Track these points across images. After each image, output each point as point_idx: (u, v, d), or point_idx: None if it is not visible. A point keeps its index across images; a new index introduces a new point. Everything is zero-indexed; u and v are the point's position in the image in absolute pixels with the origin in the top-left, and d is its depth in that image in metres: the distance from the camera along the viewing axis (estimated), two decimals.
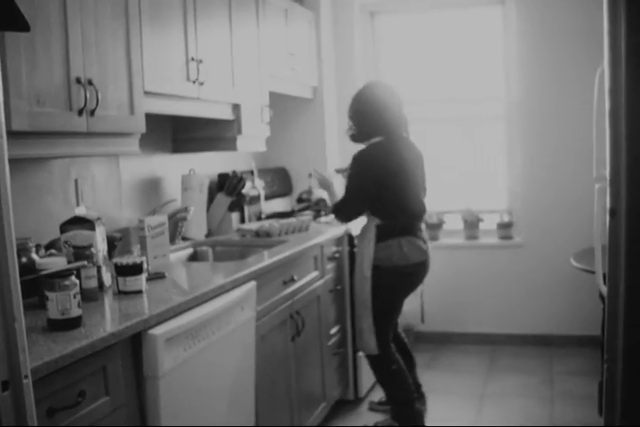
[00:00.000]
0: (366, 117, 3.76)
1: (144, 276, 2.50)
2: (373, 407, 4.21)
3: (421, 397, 4.12)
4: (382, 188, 3.67)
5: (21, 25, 1.32)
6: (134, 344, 2.15)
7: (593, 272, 3.18)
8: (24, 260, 2.26)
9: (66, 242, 2.43)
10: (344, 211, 3.77)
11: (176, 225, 3.58)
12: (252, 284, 2.88)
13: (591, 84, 3.17)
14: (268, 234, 3.89)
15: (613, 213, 1.27)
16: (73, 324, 2.00)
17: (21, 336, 1.38)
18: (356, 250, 4.11)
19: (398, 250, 3.67)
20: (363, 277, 3.72)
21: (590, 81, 3.28)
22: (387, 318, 3.80)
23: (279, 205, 5.07)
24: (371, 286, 3.71)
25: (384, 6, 5.50)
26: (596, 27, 2.92)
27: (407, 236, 3.71)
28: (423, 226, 3.87)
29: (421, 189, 3.87)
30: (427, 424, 3.85)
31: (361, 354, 4.10)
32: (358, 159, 3.69)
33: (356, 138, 3.82)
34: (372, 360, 3.84)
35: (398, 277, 3.74)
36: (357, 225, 4.18)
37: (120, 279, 2.46)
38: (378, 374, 3.87)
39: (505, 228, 5.28)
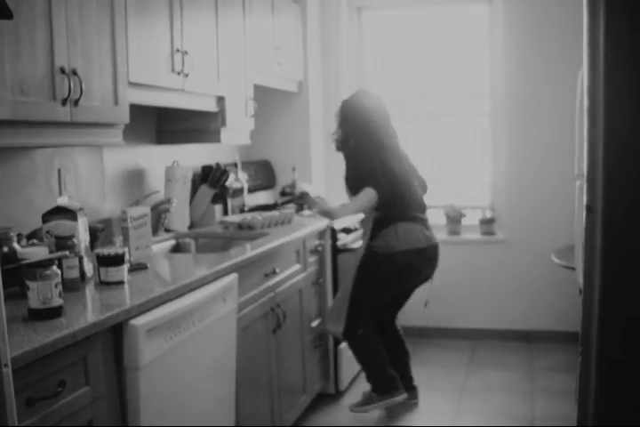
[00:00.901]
0: (354, 124, 3.87)
1: (126, 267, 2.50)
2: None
3: (413, 390, 4.16)
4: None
5: (4, 12, 1.32)
6: (115, 335, 2.15)
7: (574, 268, 3.21)
8: (5, 249, 2.25)
9: (48, 232, 2.42)
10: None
11: (159, 217, 3.58)
12: (234, 276, 2.88)
13: (574, 83, 3.20)
14: (250, 226, 3.90)
15: (590, 209, 1.29)
16: (54, 313, 2.00)
17: (1, 324, 1.38)
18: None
19: (394, 235, 3.75)
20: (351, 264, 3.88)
21: (573, 79, 3.30)
22: (367, 302, 3.90)
23: (262, 197, 5.07)
24: (364, 269, 3.81)
25: (371, 1, 5.51)
26: (580, 26, 2.94)
27: (404, 222, 3.78)
28: (427, 216, 3.95)
29: (419, 188, 3.99)
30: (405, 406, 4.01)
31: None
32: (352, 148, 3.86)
33: (340, 145, 3.95)
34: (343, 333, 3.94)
35: (395, 265, 3.79)
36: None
37: (102, 270, 2.45)
38: (350, 346, 3.99)
39: (487, 224, 5.31)
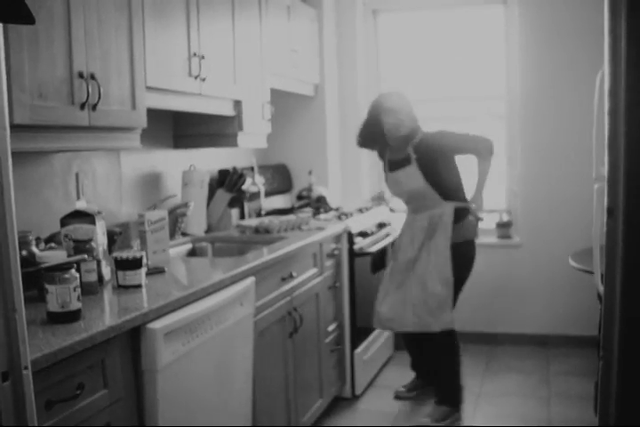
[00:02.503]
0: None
1: (143, 270, 2.51)
2: (401, 396, 4.30)
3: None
4: (455, 170, 3.97)
5: (26, 17, 1.33)
6: (133, 338, 2.15)
7: (591, 272, 3.18)
8: (24, 253, 2.26)
9: (66, 235, 2.43)
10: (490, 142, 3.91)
11: (176, 220, 3.59)
12: (251, 280, 2.89)
13: (591, 85, 3.17)
14: (267, 230, 3.90)
15: (611, 212, 1.28)
16: (72, 317, 2.01)
17: (22, 327, 1.39)
18: (394, 239, 4.18)
19: (470, 228, 3.96)
20: (444, 257, 3.84)
21: (591, 81, 3.29)
22: (457, 294, 4.00)
23: (279, 201, 5.08)
24: (454, 260, 3.88)
25: (387, 4, 5.51)
26: (597, 28, 2.92)
27: (468, 216, 3.96)
28: None
29: None
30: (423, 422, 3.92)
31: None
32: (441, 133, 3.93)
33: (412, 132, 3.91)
34: (444, 342, 3.97)
35: (471, 252, 4.00)
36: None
37: (120, 273, 2.46)
38: (445, 357, 4.01)
39: (504, 227, 5.29)
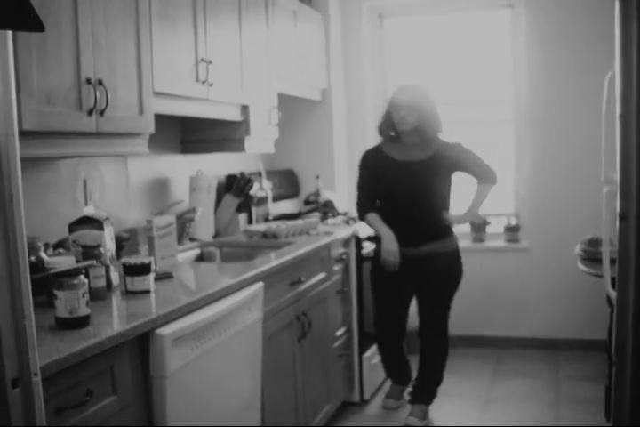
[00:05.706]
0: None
1: (152, 276, 2.51)
2: (392, 406, 4.30)
3: None
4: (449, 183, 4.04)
5: (35, 25, 1.33)
6: (142, 344, 2.15)
7: (600, 276, 3.17)
8: (33, 258, 2.26)
9: (74, 241, 2.44)
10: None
11: (183, 226, 3.59)
12: (260, 285, 2.88)
13: (599, 88, 3.17)
14: (275, 235, 3.89)
15: (623, 216, 1.27)
16: (81, 323, 2.01)
17: (31, 333, 1.39)
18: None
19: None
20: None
21: (598, 84, 3.28)
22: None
23: (286, 206, 5.07)
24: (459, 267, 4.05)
25: (393, 9, 5.50)
26: (604, 31, 2.92)
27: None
28: None
29: None
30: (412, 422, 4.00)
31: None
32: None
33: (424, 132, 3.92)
34: (444, 343, 4.07)
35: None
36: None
37: (128, 279, 2.46)
38: (444, 356, 4.08)
39: (512, 231, 5.28)
